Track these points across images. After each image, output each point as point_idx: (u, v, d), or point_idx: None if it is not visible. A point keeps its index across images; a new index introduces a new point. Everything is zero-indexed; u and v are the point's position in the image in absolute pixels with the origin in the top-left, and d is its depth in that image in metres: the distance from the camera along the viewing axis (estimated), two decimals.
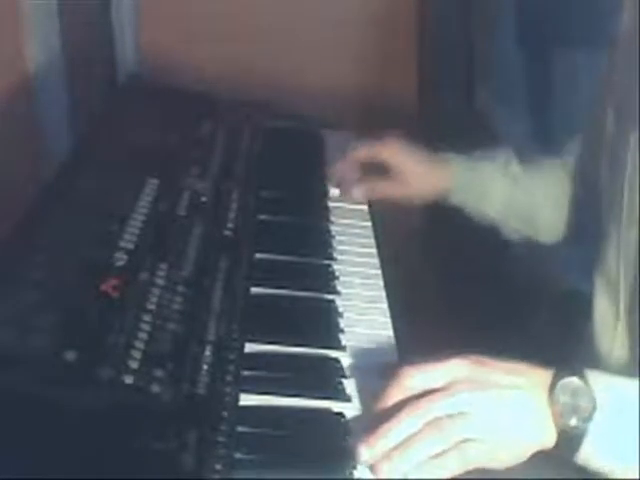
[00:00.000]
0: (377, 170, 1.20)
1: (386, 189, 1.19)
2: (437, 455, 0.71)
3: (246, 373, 0.80)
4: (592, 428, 0.73)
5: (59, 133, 1.28)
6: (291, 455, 0.72)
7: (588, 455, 0.74)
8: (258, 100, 1.41)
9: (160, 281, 0.84)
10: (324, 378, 0.82)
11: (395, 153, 1.18)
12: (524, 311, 1.47)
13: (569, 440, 0.74)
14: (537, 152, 1.22)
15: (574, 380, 0.74)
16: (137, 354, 0.73)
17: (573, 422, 0.73)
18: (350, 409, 0.79)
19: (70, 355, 0.69)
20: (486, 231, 1.21)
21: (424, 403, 0.72)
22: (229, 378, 0.78)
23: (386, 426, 0.72)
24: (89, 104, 1.34)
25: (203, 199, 1.04)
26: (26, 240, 0.85)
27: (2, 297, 0.75)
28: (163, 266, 0.87)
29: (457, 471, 0.71)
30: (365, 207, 1.20)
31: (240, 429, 0.73)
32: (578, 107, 1.34)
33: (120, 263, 0.84)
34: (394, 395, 0.74)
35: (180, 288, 0.85)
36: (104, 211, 0.93)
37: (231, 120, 1.29)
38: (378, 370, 0.82)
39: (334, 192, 1.22)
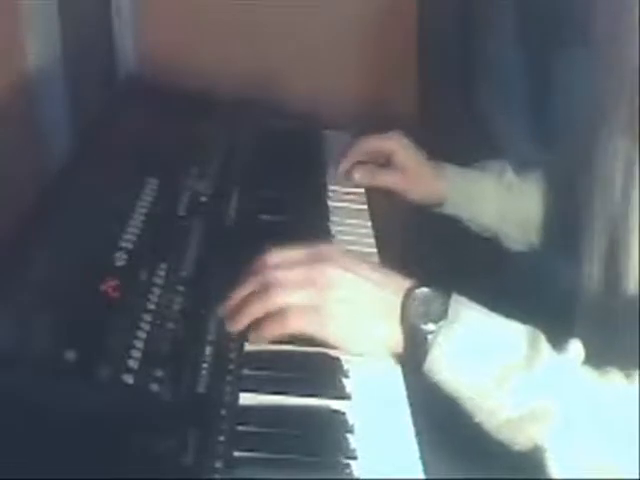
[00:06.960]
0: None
1: (387, 178, 1.20)
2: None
3: (246, 372, 0.81)
4: (440, 338, 0.77)
5: (59, 133, 1.28)
6: (291, 454, 0.72)
7: (435, 364, 0.77)
8: (258, 100, 1.41)
9: (160, 281, 0.85)
10: (324, 376, 0.82)
11: (400, 148, 1.19)
12: (523, 311, 1.47)
13: (416, 343, 0.78)
14: (537, 152, 1.22)
15: (428, 290, 0.79)
16: (137, 354, 0.73)
17: (421, 325, 0.77)
18: (350, 407, 0.79)
19: (70, 355, 0.69)
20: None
21: (277, 270, 0.83)
22: (229, 377, 0.78)
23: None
24: (89, 104, 1.34)
25: (203, 199, 1.04)
26: (26, 240, 0.85)
27: (2, 297, 0.75)
28: (163, 266, 0.87)
29: (279, 331, 0.81)
30: (365, 207, 1.20)
31: (240, 428, 0.73)
32: (577, 107, 1.34)
33: (120, 263, 0.84)
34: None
35: (180, 288, 0.85)
36: (104, 211, 0.93)
37: (231, 120, 1.29)
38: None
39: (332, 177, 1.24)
